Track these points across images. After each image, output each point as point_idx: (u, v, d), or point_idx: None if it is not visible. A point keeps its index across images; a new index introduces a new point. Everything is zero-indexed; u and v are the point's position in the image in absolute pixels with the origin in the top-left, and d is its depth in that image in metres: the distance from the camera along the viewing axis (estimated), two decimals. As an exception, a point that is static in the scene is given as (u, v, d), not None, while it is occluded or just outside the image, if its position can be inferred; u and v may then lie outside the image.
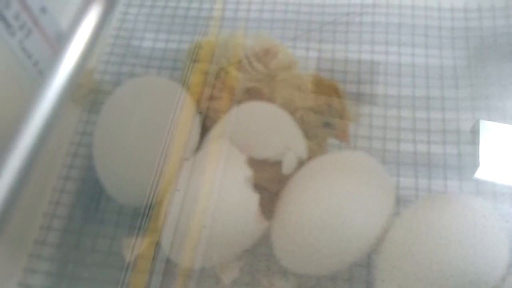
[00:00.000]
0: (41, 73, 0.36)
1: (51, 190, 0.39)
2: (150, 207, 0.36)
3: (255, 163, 0.35)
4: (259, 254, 0.35)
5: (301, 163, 0.37)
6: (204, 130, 0.39)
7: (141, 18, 0.48)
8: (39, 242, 0.37)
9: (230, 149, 0.36)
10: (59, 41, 0.25)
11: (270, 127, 0.37)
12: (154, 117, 0.38)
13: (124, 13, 0.48)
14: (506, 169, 0.36)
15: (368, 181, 0.34)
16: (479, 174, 0.37)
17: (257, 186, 0.34)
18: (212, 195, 0.33)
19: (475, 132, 0.38)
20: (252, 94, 0.40)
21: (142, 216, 0.36)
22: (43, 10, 0.36)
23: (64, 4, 0.35)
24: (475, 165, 0.37)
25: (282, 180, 0.36)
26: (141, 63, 0.45)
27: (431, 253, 0.31)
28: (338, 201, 0.33)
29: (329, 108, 0.39)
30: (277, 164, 0.36)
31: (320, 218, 0.33)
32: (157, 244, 0.34)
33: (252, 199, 0.33)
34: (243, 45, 0.42)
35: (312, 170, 0.35)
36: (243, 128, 0.37)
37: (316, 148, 0.38)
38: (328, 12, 0.46)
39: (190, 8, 0.48)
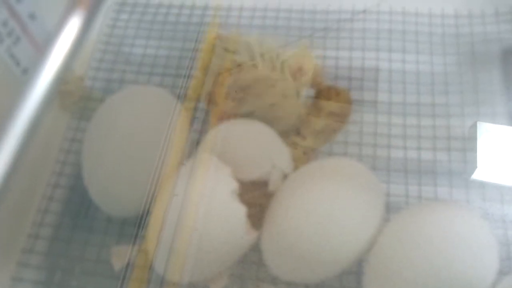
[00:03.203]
0: (29, 80, 0.35)
1: (39, 197, 0.39)
2: (144, 215, 0.35)
3: (242, 185, 0.35)
4: (248, 262, 0.35)
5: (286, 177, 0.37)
6: (201, 135, 0.39)
7: (132, 25, 0.48)
8: (27, 251, 0.37)
9: (216, 162, 0.35)
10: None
11: (254, 146, 0.37)
12: (147, 125, 0.38)
13: (114, 19, 0.48)
14: (497, 174, 0.36)
15: (358, 187, 0.34)
16: (470, 180, 0.36)
17: (247, 203, 0.34)
18: (203, 202, 0.33)
19: (469, 136, 0.38)
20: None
21: (135, 224, 0.35)
22: (32, 16, 0.36)
23: (54, 10, 0.35)
24: (465, 171, 0.37)
25: (270, 195, 0.36)
26: (131, 70, 0.45)
27: (426, 258, 0.31)
28: (328, 208, 0.33)
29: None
30: (264, 182, 0.36)
31: (310, 225, 0.32)
32: (152, 253, 0.34)
33: (239, 211, 0.33)
34: (246, 47, 0.42)
35: (301, 177, 0.35)
36: (228, 148, 0.37)
37: (302, 156, 0.38)
38: (319, 19, 0.46)
39: (181, 15, 0.48)
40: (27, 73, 0.36)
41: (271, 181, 0.36)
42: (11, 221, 0.37)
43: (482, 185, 0.36)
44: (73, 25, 0.24)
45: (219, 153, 0.36)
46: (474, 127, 0.37)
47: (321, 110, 0.40)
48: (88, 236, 0.37)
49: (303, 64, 0.40)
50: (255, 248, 0.35)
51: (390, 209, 0.35)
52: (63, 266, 0.36)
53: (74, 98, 0.42)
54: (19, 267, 0.36)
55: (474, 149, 0.36)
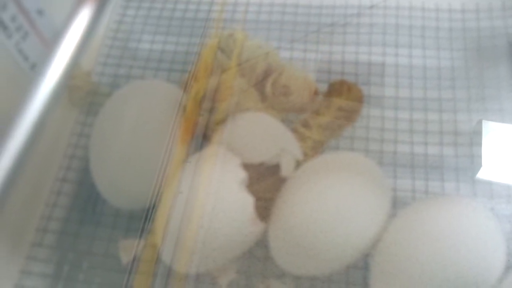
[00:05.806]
0: (38, 75, 0.36)
1: (48, 192, 0.39)
2: (151, 209, 0.35)
3: (253, 171, 0.35)
4: (255, 257, 0.35)
5: (298, 165, 0.37)
6: (207, 131, 0.39)
7: (138, 20, 0.48)
8: (36, 244, 0.37)
9: (225, 153, 0.35)
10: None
11: (263, 133, 0.37)
12: (154, 120, 0.38)
13: (121, 15, 0.48)
14: (504, 171, 0.36)
15: (365, 182, 0.34)
16: (477, 176, 0.36)
17: (255, 196, 0.34)
18: (209, 198, 0.33)
19: (476, 132, 0.38)
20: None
21: (142, 218, 0.36)
22: (40, 12, 0.36)
23: (62, 6, 0.35)
24: (472, 166, 0.37)
25: (280, 187, 0.36)
26: (138, 65, 0.45)
27: (432, 254, 0.31)
28: (335, 202, 0.33)
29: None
30: (275, 170, 0.36)
31: (317, 219, 0.33)
32: (159, 247, 0.34)
33: (247, 201, 0.33)
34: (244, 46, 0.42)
35: (308, 171, 0.35)
36: (238, 138, 0.37)
37: (310, 152, 0.38)
38: (326, 14, 0.46)
39: (187, 10, 0.48)
40: (35, 68, 0.36)
41: (282, 165, 0.36)
42: (20, 215, 0.37)
43: (489, 180, 0.36)
44: (81, 20, 0.24)
45: (227, 144, 0.36)
46: (479, 124, 0.37)
47: (331, 104, 0.40)
48: (96, 230, 0.37)
49: (290, 84, 0.40)
50: (261, 244, 0.35)
51: (396, 204, 0.35)
52: (71, 260, 0.37)
53: (82, 93, 0.43)
54: (27, 260, 0.37)
55: (480, 146, 0.36)
